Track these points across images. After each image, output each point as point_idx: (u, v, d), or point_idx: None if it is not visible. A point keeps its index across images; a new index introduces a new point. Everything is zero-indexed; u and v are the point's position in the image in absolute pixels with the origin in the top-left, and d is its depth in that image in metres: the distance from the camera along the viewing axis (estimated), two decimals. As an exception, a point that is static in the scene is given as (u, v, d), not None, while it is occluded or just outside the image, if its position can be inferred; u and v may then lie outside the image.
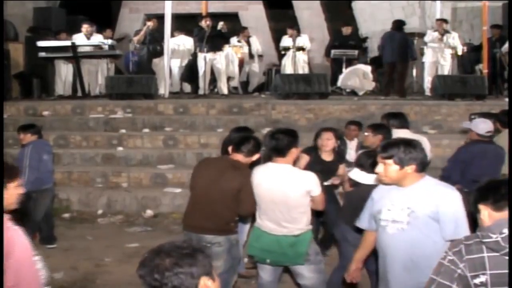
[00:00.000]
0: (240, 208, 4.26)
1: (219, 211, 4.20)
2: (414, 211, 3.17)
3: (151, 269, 1.83)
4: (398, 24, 11.45)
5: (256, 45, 13.01)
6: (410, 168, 3.21)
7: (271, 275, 4.35)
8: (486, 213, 2.40)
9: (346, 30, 12.44)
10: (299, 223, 4.07)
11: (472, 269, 2.29)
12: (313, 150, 5.65)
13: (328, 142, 5.58)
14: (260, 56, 13.15)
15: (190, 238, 4.20)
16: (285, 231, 4.09)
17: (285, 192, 4.03)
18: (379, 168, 3.30)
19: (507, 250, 2.22)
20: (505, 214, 2.33)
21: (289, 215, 4.07)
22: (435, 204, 3.15)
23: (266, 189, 4.10)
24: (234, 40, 12.52)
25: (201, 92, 11.06)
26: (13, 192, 2.82)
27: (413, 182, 3.24)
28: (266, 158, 4.45)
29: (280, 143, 4.09)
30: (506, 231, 2.24)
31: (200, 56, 10.95)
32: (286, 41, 12.03)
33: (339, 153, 5.89)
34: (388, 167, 3.25)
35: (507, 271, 2.24)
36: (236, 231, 4.42)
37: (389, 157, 3.23)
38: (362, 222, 3.63)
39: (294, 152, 4.13)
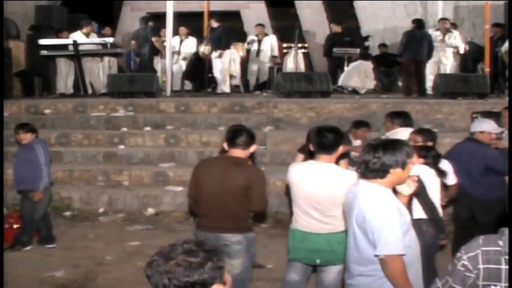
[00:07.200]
0: (250, 205, 4.16)
1: (232, 210, 4.11)
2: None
3: (160, 273, 1.84)
4: (421, 23, 11.12)
5: (272, 43, 12.60)
6: None
7: (301, 274, 4.27)
8: None
9: (337, 28, 12.39)
10: (340, 219, 3.94)
11: (486, 279, 2.20)
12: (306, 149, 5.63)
13: None
14: (274, 56, 12.62)
15: (208, 239, 3.98)
16: (329, 228, 3.99)
17: (331, 192, 3.91)
18: None
19: None
20: None
21: (330, 213, 3.99)
22: None
23: (309, 188, 3.99)
24: (251, 36, 12.55)
25: (219, 90, 10.94)
26: None
27: None
28: (308, 156, 4.35)
29: (328, 140, 3.97)
30: None
31: (214, 55, 10.90)
32: None
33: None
34: None
35: None
36: (252, 228, 4.34)
37: None
38: (401, 246, 2.83)
39: (340, 150, 4.06)
